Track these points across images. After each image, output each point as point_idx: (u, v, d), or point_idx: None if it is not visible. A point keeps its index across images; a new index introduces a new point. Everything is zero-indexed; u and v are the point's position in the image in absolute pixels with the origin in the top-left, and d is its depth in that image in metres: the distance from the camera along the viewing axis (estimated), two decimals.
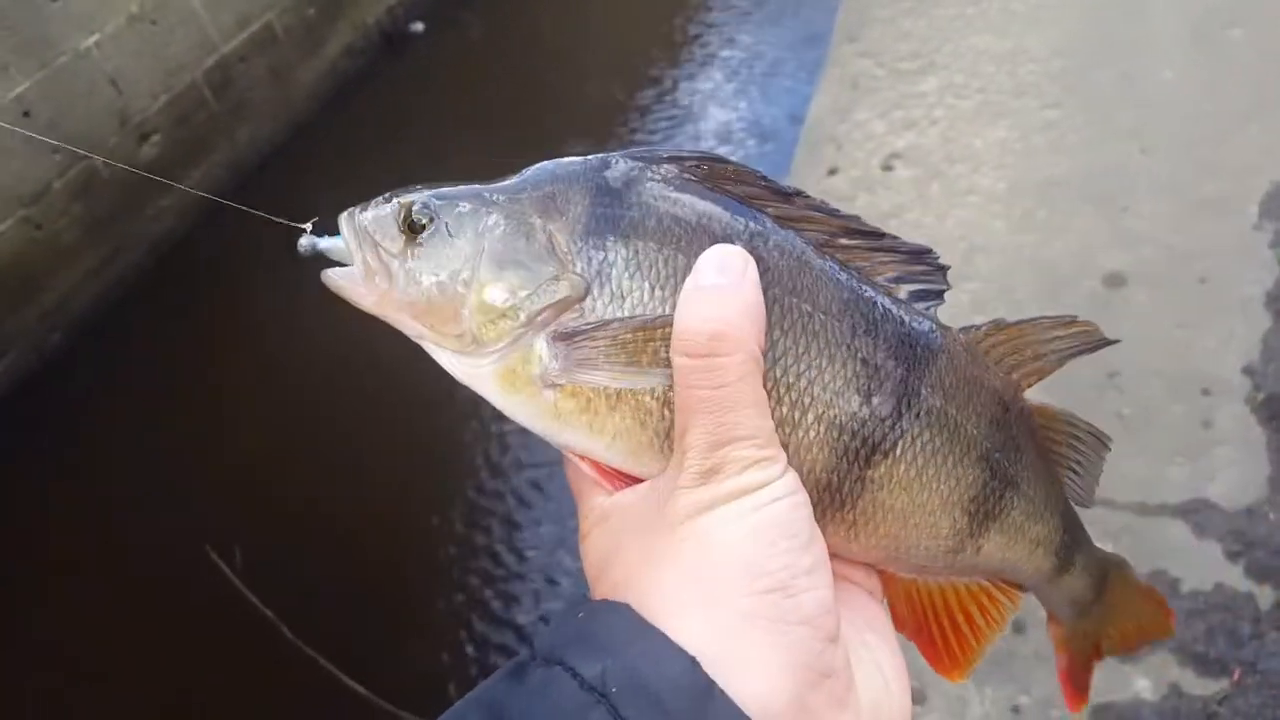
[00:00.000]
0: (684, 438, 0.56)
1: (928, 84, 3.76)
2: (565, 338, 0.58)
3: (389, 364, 4.98)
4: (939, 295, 0.62)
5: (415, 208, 0.61)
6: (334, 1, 10.64)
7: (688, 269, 0.58)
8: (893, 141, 3.69)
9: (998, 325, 0.63)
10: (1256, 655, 2.03)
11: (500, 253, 0.61)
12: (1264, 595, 2.11)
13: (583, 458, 0.60)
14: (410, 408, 4.45)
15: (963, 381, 0.60)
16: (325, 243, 0.65)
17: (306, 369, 5.00)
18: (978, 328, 0.63)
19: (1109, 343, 0.62)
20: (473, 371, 0.60)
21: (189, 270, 6.54)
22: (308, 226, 0.67)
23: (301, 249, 0.66)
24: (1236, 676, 2.04)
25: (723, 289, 0.57)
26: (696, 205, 0.61)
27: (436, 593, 3.82)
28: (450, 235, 0.61)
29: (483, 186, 0.64)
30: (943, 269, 0.62)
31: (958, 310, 3.00)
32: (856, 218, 0.62)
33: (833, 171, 3.71)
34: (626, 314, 0.59)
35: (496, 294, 0.60)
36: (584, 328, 0.58)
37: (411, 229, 0.61)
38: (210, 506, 4.06)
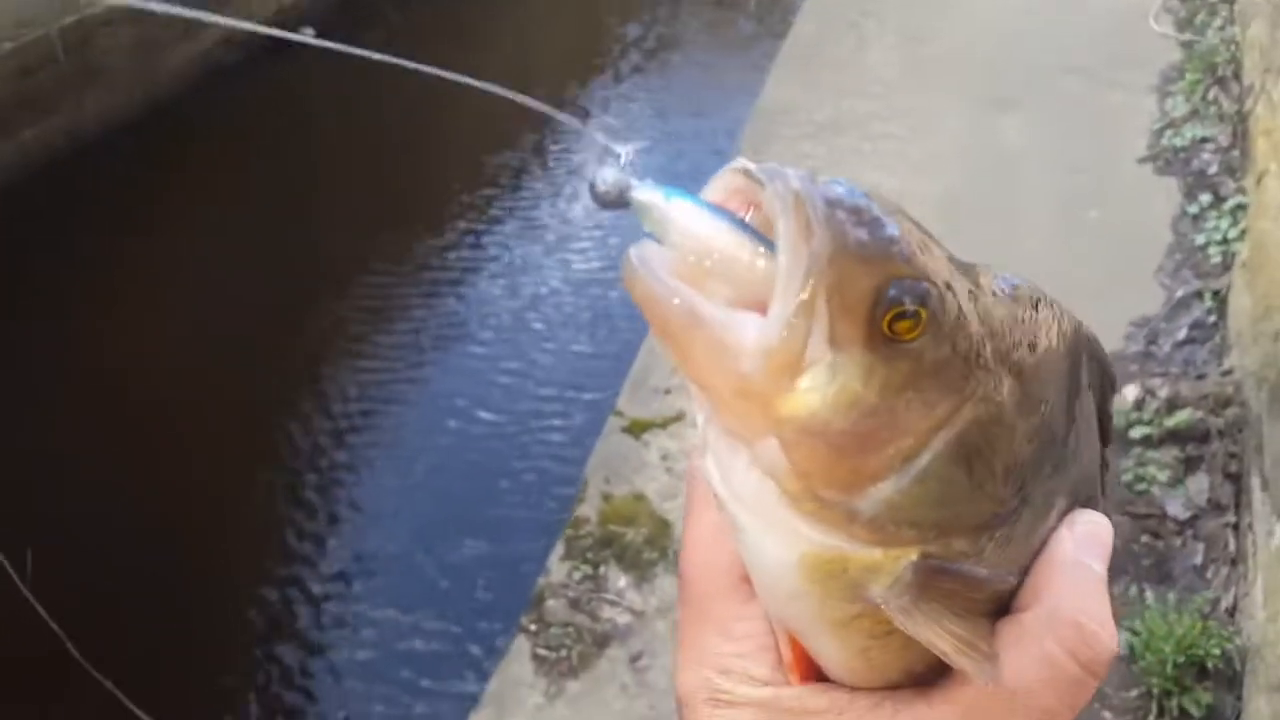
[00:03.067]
0: None
1: None
2: (932, 573, 0.43)
3: (199, 359, 4.87)
4: None
5: (920, 292, 0.40)
6: None
7: None
8: None
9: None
10: None
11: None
12: None
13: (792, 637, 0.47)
14: (225, 408, 4.39)
15: None
16: (645, 194, 0.42)
17: (112, 364, 4.85)
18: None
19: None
20: (773, 522, 0.43)
21: None
22: (626, 150, 0.44)
23: (601, 185, 0.43)
24: None
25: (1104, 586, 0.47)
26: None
27: (239, 616, 3.74)
28: (936, 371, 0.41)
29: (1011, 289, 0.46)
30: None
31: None
32: None
33: None
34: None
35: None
36: (957, 570, 0.44)
37: (887, 309, 0.39)
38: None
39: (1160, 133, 3.89)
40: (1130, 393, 3.05)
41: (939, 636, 0.43)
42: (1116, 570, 2.67)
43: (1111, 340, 3.33)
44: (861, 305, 0.39)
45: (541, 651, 2.78)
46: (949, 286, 0.41)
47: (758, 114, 4.69)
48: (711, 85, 8.58)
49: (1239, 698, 2.36)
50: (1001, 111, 4.26)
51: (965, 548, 0.44)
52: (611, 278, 5.74)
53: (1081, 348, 0.50)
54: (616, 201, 0.42)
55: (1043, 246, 3.75)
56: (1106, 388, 0.54)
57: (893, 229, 0.40)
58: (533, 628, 2.91)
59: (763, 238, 0.40)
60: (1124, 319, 3.36)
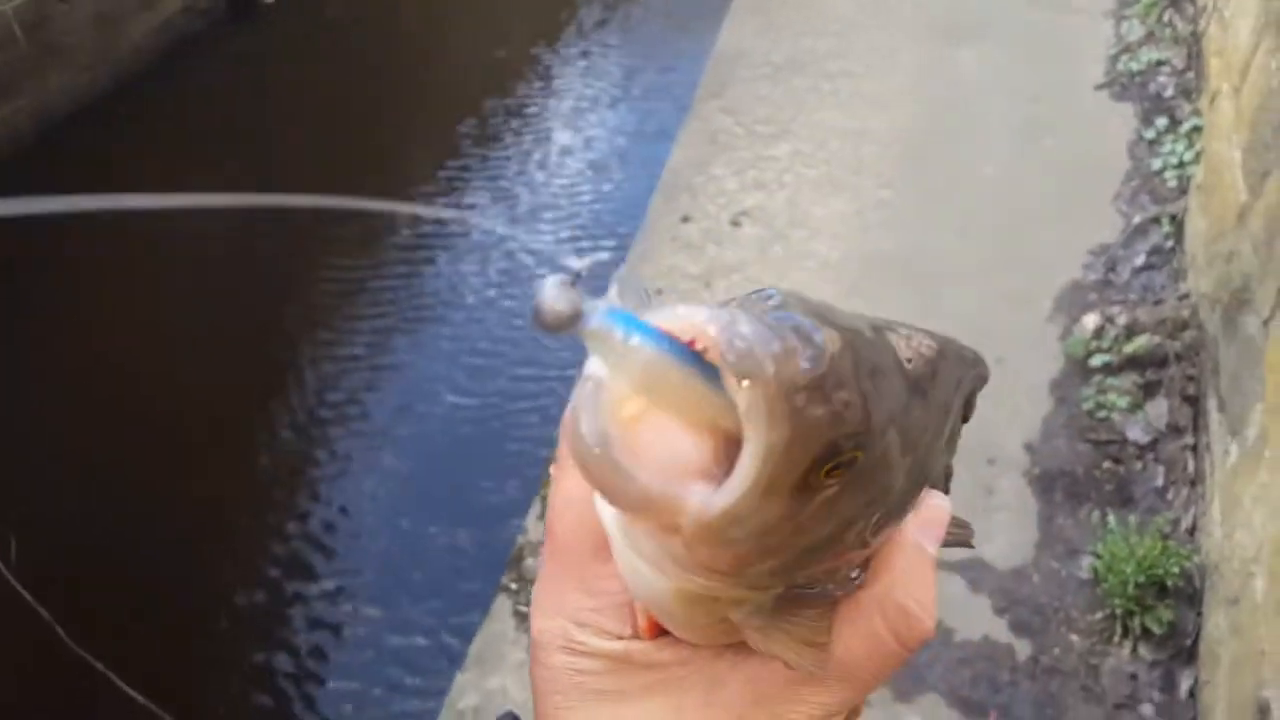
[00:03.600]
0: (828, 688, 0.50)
1: (780, 149, 4.09)
2: (791, 599, 0.47)
3: (172, 336, 4.83)
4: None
5: (858, 446, 0.41)
6: None
7: None
8: (743, 199, 3.99)
9: None
10: (1010, 700, 2.37)
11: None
12: (1021, 648, 2.47)
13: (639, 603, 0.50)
14: (200, 383, 4.37)
15: None
16: (598, 324, 0.40)
17: (84, 343, 4.82)
18: None
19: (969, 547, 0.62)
20: (656, 564, 0.44)
21: None
22: (579, 264, 0.41)
23: (549, 312, 0.39)
24: (992, 719, 2.37)
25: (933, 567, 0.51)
26: None
27: (227, 599, 3.76)
28: (852, 492, 0.43)
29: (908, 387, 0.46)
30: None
31: None
32: None
33: (686, 219, 3.97)
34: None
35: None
36: (813, 595, 0.48)
37: (824, 464, 0.40)
38: None
39: (1116, 58, 3.84)
40: (1090, 321, 3.05)
41: (784, 648, 0.47)
42: (1081, 497, 2.70)
43: (1070, 269, 3.34)
44: (804, 465, 0.40)
45: (523, 609, 2.80)
46: (881, 422, 0.42)
47: (716, 59, 4.62)
48: (674, 34, 8.45)
49: (1199, 614, 2.40)
50: (958, 43, 4.20)
51: (828, 574, 0.48)
52: (596, 188, 5.69)
53: (975, 371, 0.54)
54: (564, 327, 0.39)
55: (1000, 177, 3.72)
56: (977, 392, 0.57)
57: (849, 392, 0.40)
58: (513, 586, 2.93)
59: (712, 369, 0.39)
60: (1082, 247, 3.36)
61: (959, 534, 0.66)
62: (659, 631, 0.50)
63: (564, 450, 0.51)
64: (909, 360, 0.47)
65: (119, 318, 5.20)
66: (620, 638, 0.51)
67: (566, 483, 0.52)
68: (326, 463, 4.14)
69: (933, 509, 0.51)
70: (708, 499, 0.39)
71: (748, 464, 0.39)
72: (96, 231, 6.63)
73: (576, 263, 0.41)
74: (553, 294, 0.39)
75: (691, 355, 0.39)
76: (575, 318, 0.39)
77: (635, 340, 0.39)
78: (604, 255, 0.43)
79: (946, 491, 0.59)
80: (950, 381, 0.52)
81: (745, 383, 0.38)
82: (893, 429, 0.43)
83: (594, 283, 0.41)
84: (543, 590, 0.53)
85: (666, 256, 3.89)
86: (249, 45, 9.88)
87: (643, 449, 0.40)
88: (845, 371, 0.40)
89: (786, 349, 0.38)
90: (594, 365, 0.40)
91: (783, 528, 0.41)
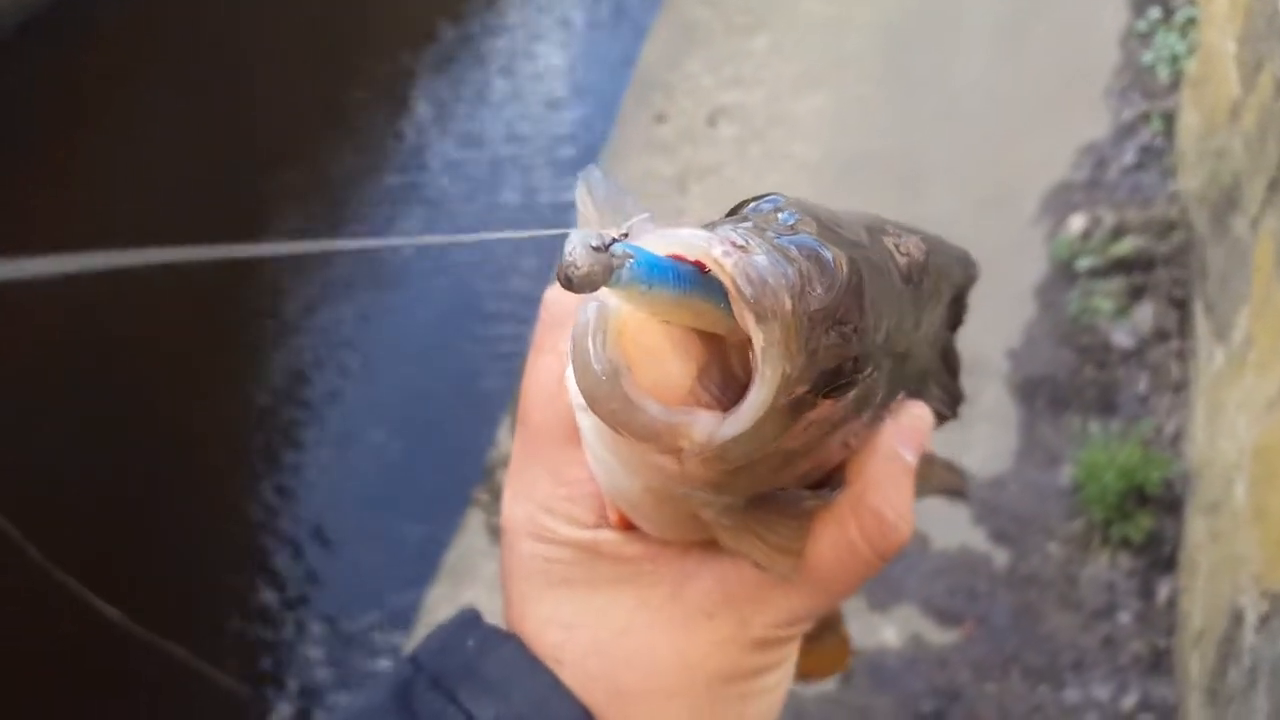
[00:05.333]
0: (790, 598, 0.48)
1: (757, 42, 3.82)
2: (762, 500, 0.45)
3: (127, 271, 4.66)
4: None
5: (857, 374, 0.41)
6: None
7: None
8: (719, 96, 3.75)
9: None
10: (988, 610, 2.28)
11: None
12: (999, 557, 2.37)
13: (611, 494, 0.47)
14: (161, 310, 4.18)
15: None
16: (629, 275, 0.37)
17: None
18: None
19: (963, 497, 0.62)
20: (632, 466, 0.43)
21: None
22: (618, 234, 0.38)
23: (579, 268, 0.35)
24: (969, 628, 2.28)
25: (911, 475, 0.49)
26: None
27: (200, 521, 3.64)
28: (852, 404, 0.43)
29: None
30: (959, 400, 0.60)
31: None
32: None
33: (660, 119, 3.73)
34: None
35: None
36: (784, 497, 0.46)
37: (826, 391, 0.40)
38: None
39: None
40: (1076, 223, 2.87)
41: (755, 549, 0.46)
42: (1063, 404, 2.56)
43: (1059, 168, 3.14)
44: (803, 386, 0.39)
45: (495, 522, 2.69)
46: (879, 342, 0.42)
47: None
48: None
49: (1180, 522, 2.30)
50: None
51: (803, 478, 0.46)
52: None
53: (965, 271, 0.54)
54: (594, 287, 0.36)
55: (986, 71, 3.49)
56: (967, 289, 0.58)
57: (857, 317, 0.40)
58: (485, 498, 2.81)
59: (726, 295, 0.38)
60: (1071, 145, 3.15)
61: (953, 480, 0.67)
62: (629, 525, 0.48)
63: (541, 334, 0.50)
64: (903, 262, 0.46)
65: (70, 234, 4.96)
66: (589, 526, 0.49)
67: (541, 368, 0.49)
68: (299, 388, 3.96)
69: (913, 417, 0.50)
70: (714, 428, 0.38)
71: (760, 396, 0.38)
72: (49, 143, 6.29)
73: (598, 172, 0.41)
74: (580, 255, 0.35)
75: (710, 285, 0.38)
76: (605, 275, 0.36)
77: (659, 286, 0.37)
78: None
79: (955, 415, 0.60)
80: (939, 283, 0.51)
81: (760, 320, 0.37)
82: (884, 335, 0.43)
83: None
84: (514, 476, 0.51)
85: (640, 159, 3.67)
86: (110, 17, 9.32)
87: (647, 374, 0.38)
88: (853, 299, 0.39)
89: (802, 280, 0.37)
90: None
91: (773, 444, 0.40)
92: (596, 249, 0.35)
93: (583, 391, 0.37)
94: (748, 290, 0.36)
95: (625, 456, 0.42)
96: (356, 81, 6.65)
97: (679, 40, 3.93)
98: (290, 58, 7.32)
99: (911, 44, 3.52)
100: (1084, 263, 2.78)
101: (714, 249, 0.37)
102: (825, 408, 0.40)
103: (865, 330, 0.40)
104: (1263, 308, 2.38)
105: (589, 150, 4.05)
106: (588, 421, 0.43)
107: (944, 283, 0.52)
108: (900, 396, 0.50)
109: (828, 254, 0.38)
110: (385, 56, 7.07)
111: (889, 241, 0.46)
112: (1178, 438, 2.42)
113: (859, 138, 3.42)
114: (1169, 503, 2.29)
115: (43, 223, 5.11)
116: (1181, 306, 2.65)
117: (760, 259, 0.37)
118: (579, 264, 0.35)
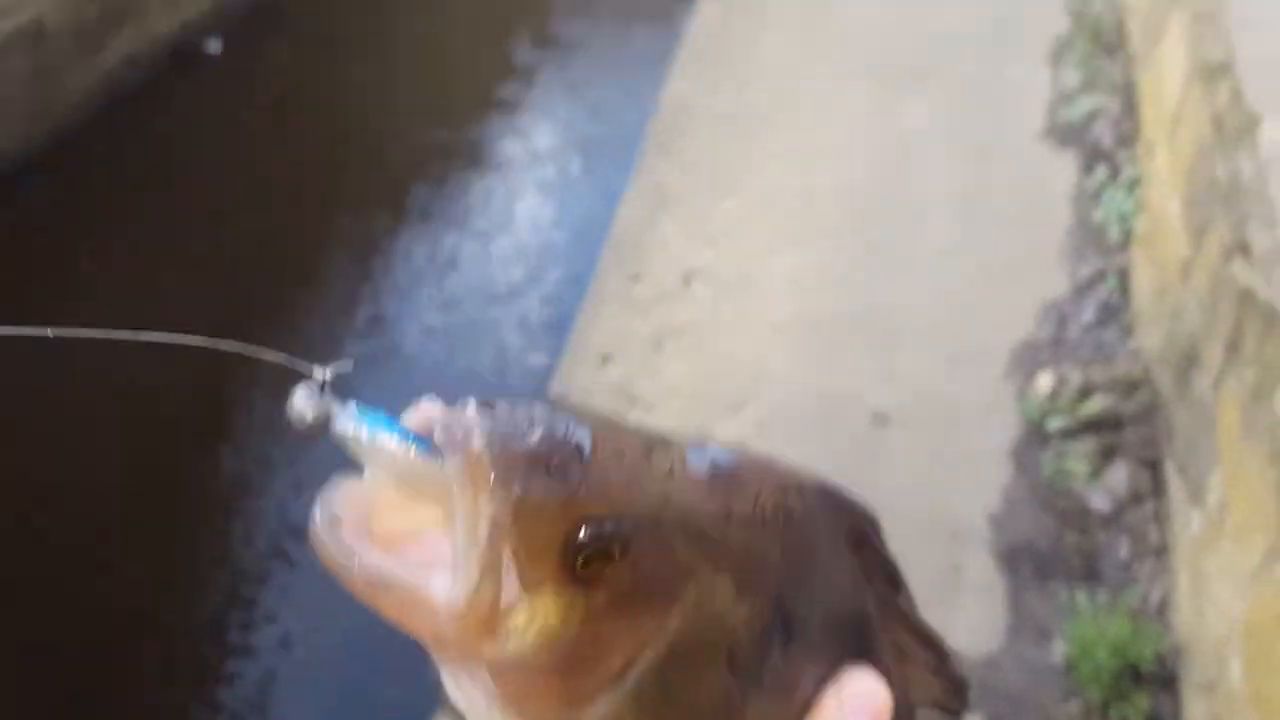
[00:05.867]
0: None
1: (730, 204, 3.93)
2: None
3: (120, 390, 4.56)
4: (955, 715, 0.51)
5: (610, 532, 0.37)
6: (119, 7, 9.84)
7: None
8: (693, 257, 3.82)
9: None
10: None
11: None
12: None
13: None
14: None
15: None
16: (347, 424, 0.38)
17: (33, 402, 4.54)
18: None
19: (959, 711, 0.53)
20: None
21: None
22: (323, 373, 0.39)
23: (299, 416, 0.38)
24: None
25: None
26: None
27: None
28: (636, 593, 0.39)
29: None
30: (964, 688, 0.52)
31: (742, 438, 3.13)
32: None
33: (635, 278, 3.80)
34: None
35: None
36: None
37: (577, 552, 0.37)
38: None
39: (1055, 106, 3.74)
40: (1044, 382, 2.93)
41: None
42: (1049, 573, 2.56)
43: (1022, 326, 3.21)
44: (550, 551, 0.37)
45: None
46: (642, 508, 0.39)
47: (661, 111, 4.46)
48: (616, 86, 8.28)
49: (1177, 700, 2.27)
50: (900, 93, 4.08)
51: None
52: (543, 247, 5.48)
53: (808, 499, 0.45)
54: (316, 432, 0.39)
55: (948, 231, 3.60)
56: (865, 527, 0.49)
57: (576, 470, 0.38)
58: None
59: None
60: (1033, 303, 3.24)
61: (943, 694, 0.55)
62: None
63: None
64: (729, 487, 0.42)
65: (65, 366, 4.92)
66: None
67: None
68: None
69: (862, 689, 0.42)
70: (450, 587, 0.36)
71: (461, 536, 0.36)
72: (43, 275, 6.30)
73: (321, 372, 0.41)
74: (301, 401, 0.39)
75: (429, 444, 0.38)
76: (325, 422, 0.38)
77: (381, 437, 0.38)
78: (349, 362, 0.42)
79: (962, 707, 0.51)
80: (817, 526, 0.45)
81: (455, 456, 0.37)
82: (720, 565, 0.40)
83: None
84: None
85: (617, 318, 3.71)
86: (193, 96, 9.54)
87: (396, 549, 0.38)
88: (574, 453, 0.38)
89: (501, 426, 0.37)
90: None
91: (569, 631, 0.37)
92: (314, 395, 0.38)
93: (328, 562, 0.37)
94: (446, 430, 0.37)
95: (477, 704, 0.39)
96: (330, 240, 6.75)
97: (653, 202, 4.03)
98: (263, 216, 7.42)
99: (875, 208, 3.63)
100: (1055, 423, 2.82)
101: (435, 408, 0.38)
102: (607, 589, 0.37)
103: (587, 487, 0.37)
104: (1235, 472, 2.41)
105: (566, 310, 4.10)
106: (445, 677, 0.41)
107: (811, 525, 0.45)
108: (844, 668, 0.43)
109: (543, 415, 0.38)
110: (359, 216, 7.19)
111: (682, 461, 0.41)
112: (1164, 606, 2.41)
113: (829, 298, 3.49)
114: (1164, 679, 2.26)
115: None
116: (1154, 467, 2.68)
117: (469, 409, 0.37)
118: (299, 408, 0.38)
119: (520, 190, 6.61)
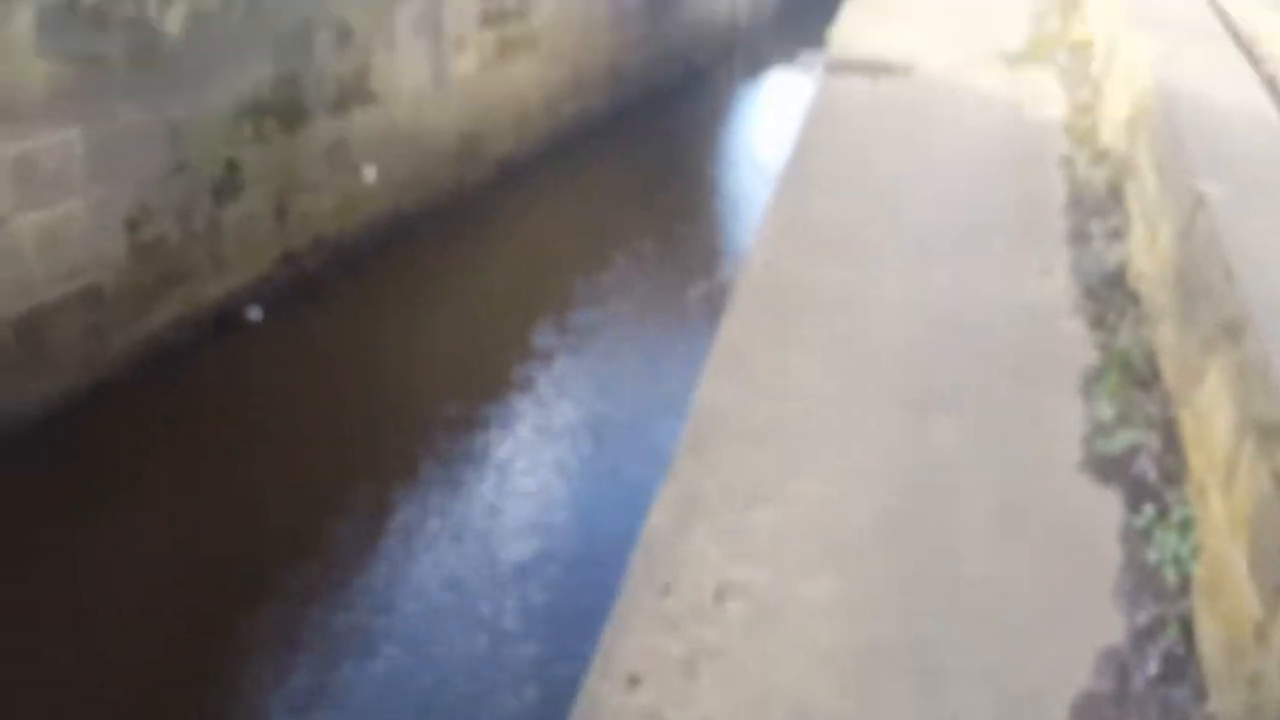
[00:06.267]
0: None
1: (761, 517, 3.84)
2: None
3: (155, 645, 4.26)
4: None
5: None
6: (174, 273, 10.39)
7: None
8: (727, 570, 3.69)
9: None
10: None
11: None
12: None
13: None
14: None
15: None
16: None
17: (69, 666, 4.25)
18: None
19: None
20: None
21: None
22: None
23: None
24: None
25: None
26: None
27: None
28: None
29: None
30: None
31: None
32: None
33: (665, 591, 3.63)
34: None
35: None
36: None
37: None
38: None
39: (1092, 438, 3.73)
40: None
41: None
42: None
43: (1080, 674, 3.00)
44: None
45: None
46: None
47: (695, 417, 4.48)
48: (647, 388, 8.52)
49: None
50: (928, 416, 4.10)
51: None
52: (568, 548, 5.30)
53: None
54: None
55: (989, 563, 3.46)
56: None
57: None
58: None
59: None
60: (1088, 650, 3.04)
61: None
62: None
63: None
64: None
65: (99, 621, 4.65)
66: None
67: None
68: None
69: None
70: None
71: None
72: (75, 530, 6.12)
73: None
74: None
75: None
76: None
77: None
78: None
79: None
80: None
81: None
82: None
83: None
84: None
85: (647, 635, 3.51)
86: (229, 359, 9.84)
87: None
88: None
89: None
90: None
91: None
92: None
93: None
94: None
95: None
96: (331, 514, 6.67)
97: (684, 510, 3.95)
98: (263, 485, 7.41)
99: (912, 532, 3.53)
100: None
101: None
102: None
103: None
104: None
105: (592, 617, 3.90)
106: None
107: None
108: None
109: None
110: (363, 491, 7.16)
111: None
112: None
113: (871, 627, 3.30)
114: None
115: None
116: None
117: None
118: None
119: (545, 492, 6.58)
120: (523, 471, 6.87)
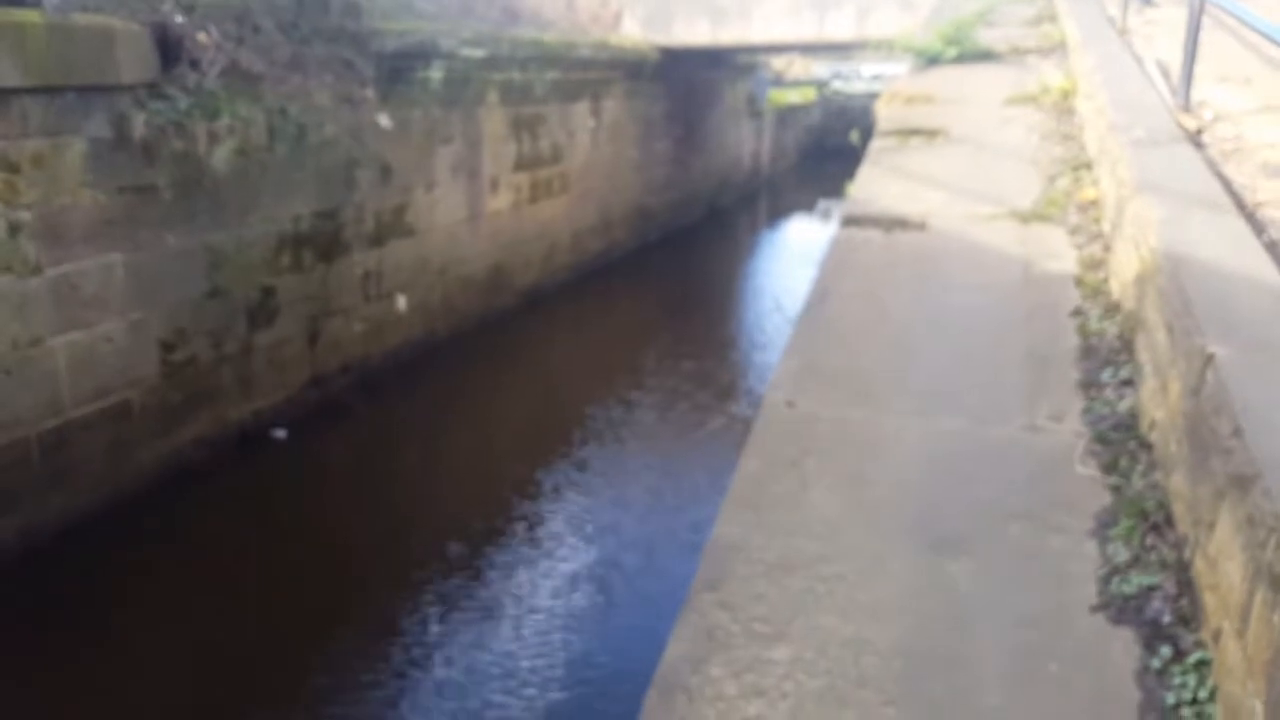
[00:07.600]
0: None
1: (779, 652, 3.87)
2: None
3: None
4: None
5: None
6: (203, 393, 10.64)
7: None
8: (744, 707, 3.70)
9: None
10: None
11: None
12: None
13: None
14: None
15: None
16: None
17: None
18: None
19: None
20: None
21: None
22: None
23: None
24: None
25: None
26: None
27: None
28: None
29: None
30: None
31: None
32: None
33: None
34: None
35: None
36: None
37: None
38: None
39: (1107, 580, 3.78)
40: None
41: None
42: None
43: None
44: None
45: None
46: None
47: (711, 550, 4.57)
48: (664, 518, 8.60)
49: None
50: (943, 555, 4.16)
51: None
52: (582, 683, 5.23)
53: None
54: None
55: (1011, 706, 3.47)
56: None
57: None
58: None
59: None
60: None
61: None
62: None
63: None
64: None
65: None
66: None
67: None
68: None
69: None
70: None
71: None
72: (87, 645, 6.14)
73: None
74: None
75: None
76: None
77: None
78: None
79: None
80: None
81: None
82: None
83: None
84: None
85: None
86: (253, 479, 10.00)
87: None
88: None
89: None
90: None
91: None
92: None
93: None
94: None
95: None
96: (346, 624, 6.67)
97: (701, 643, 3.99)
98: (276, 598, 7.43)
99: (931, 672, 3.56)
100: None
101: None
102: None
103: None
104: None
105: None
106: None
107: None
108: None
109: None
110: (373, 603, 7.17)
111: None
112: None
113: None
114: None
115: None
116: None
117: None
118: None
119: (563, 619, 6.57)
120: (530, 613, 6.82)
